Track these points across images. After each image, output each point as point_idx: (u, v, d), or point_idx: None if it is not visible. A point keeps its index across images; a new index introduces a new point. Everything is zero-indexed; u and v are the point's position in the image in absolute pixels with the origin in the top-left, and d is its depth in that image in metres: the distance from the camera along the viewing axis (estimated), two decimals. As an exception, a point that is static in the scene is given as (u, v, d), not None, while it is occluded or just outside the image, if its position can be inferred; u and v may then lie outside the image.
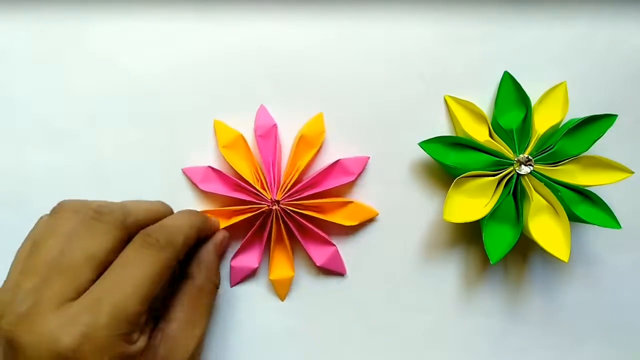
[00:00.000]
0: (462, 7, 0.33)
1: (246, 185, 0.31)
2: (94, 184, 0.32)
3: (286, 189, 0.30)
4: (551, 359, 0.33)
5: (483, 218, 0.30)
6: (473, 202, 0.30)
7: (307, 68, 0.32)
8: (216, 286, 0.29)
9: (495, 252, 0.29)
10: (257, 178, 0.31)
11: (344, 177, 0.31)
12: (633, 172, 0.30)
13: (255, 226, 0.31)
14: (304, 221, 0.31)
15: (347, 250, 0.32)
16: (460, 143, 0.31)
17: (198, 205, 0.32)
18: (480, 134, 0.31)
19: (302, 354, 0.32)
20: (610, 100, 0.33)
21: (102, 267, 0.23)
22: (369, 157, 0.32)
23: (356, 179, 0.32)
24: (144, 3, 0.33)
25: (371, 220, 0.32)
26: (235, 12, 0.33)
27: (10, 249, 0.32)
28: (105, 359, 0.21)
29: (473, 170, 0.30)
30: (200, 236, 0.29)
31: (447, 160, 0.30)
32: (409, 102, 0.33)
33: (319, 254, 0.32)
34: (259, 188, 0.30)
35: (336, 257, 0.32)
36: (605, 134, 0.30)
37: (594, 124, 0.31)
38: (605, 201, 0.30)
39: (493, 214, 0.30)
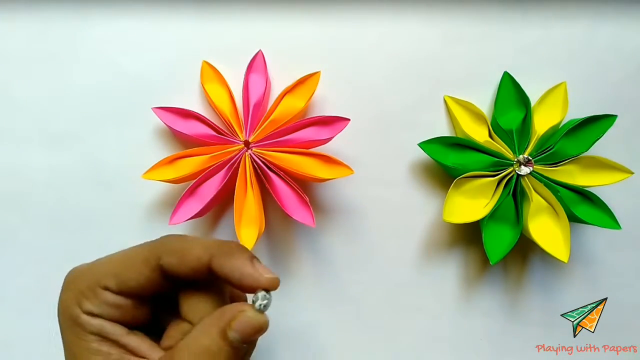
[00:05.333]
0: (462, 8, 0.33)
1: (220, 126, 0.30)
2: (94, 184, 0.32)
3: (260, 133, 0.30)
4: (551, 359, 0.33)
5: (483, 219, 0.30)
6: (473, 202, 0.30)
7: (307, 68, 0.32)
8: None
9: (495, 252, 0.29)
10: (235, 119, 0.30)
11: (321, 132, 0.30)
12: (633, 173, 0.30)
13: (224, 169, 0.29)
14: (271, 171, 0.29)
15: (347, 250, 0.32)
16: (460, 143, 0.31)
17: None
18: (480, 134, 0.31)
19: (302, 354, 0.32)
20: (610, 101, 0.33)
21: None
22: (349, 120, 0.30)
23: (332, 138, 0.30)
24: (144, 3, 0.33)
25: (347, 177, 0.30)
26: (235, 13, 0.33)
27: (11, 248, 0.32)
28: (64, 302, 0.22)
29: (473, 170, 0.30)
30: (217, 270, 0.22)
31: (446, 161, 0.30)
32: (409, 102, 0.33)
33: (290, 203, 0.29)
34: (234, 125, 0.30)
35: (306, 208, 0.29)
36: (605, 134, 0.30)
37: (594, 125, 0.31)
38: (605, 201, 0.30)
39: (493, 215, 0.30)
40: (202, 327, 0.21)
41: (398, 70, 0.33)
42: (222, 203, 0.32)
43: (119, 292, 0.22)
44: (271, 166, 0.29)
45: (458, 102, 0.32)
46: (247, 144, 0.30)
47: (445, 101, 0.33)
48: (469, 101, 0.32)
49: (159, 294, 0.23)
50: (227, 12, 0.33)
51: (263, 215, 0.29)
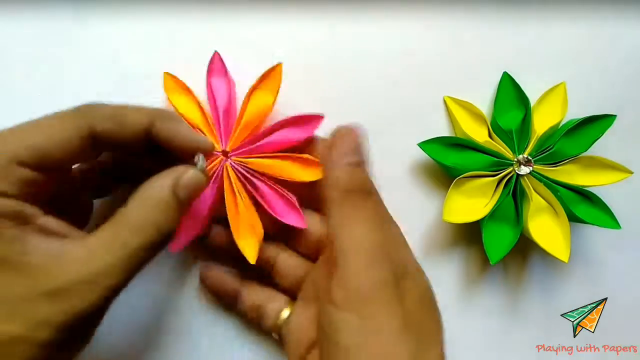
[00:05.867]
0: (462, 8, 0.33)
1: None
2: (94, 185, 0.32)
3: (235, 140, 0.28)
4: (551, 359, 0.33)
5: (483, 218, 0.30)
6: (473, 202, 0.30)
7: (307, 68, 0.32)
8: (157, 241, 0.21)
9: (495, 252, 0.29)
10: (208, 129, 0.29)
11: (297, 132, 0.28)
12: (632, 172, 0.30)
13: (210, 183, 0.28)
14: (255, 178, 0.28)
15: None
16: (459, 144, 0.31)
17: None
18: (479, 134, 0.32)
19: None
20: (609, 101, 0.33)
21: None
22: (322, 117, 0.28)
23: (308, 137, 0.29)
24: (144, 3, 0.33)
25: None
26: (234, 13, 0.33)
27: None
28: None
29: (472, 170, 0.30)
30: (158, 134, 0.23)
31: (446, 161, 0.31)
32: (409, 102, 0.33)
33: (279, 207, 0.28)
34: (208, 136, 0.28)
35: (295, 210, 0.29)
36: (605, 134, 0.30)
37: (593, 124, 0.31)
38: (605, 201, 0.30)
39: (493, 215, 0.30)
40: (153, 182, 0.22)
41: (398, 70, 0.33)
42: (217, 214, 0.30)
43: (37, 167, 0.20)
44: (253, 173, 0.29)
45: (458, 102, 0.32)
46: (225, 153, 0.28)
47: (445, 101, 0.33)
48: (468, 101, 0.32)
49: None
50: (227, 12, 0.33)
51: (260, 222, 0.28)
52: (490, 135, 0.31)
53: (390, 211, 0.33)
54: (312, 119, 0.29)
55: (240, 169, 0.28)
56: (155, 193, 0.21)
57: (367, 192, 0.22)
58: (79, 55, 0.33)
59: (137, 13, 0.33)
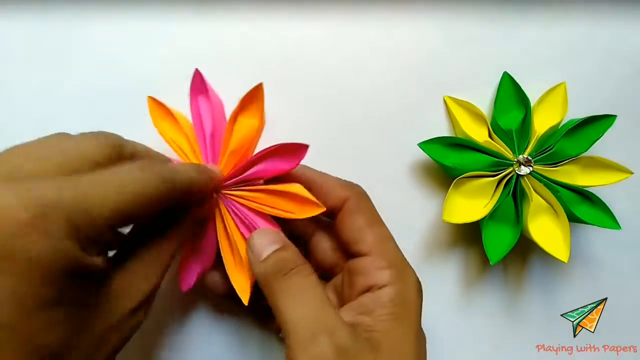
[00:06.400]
0: (462, 8, 0.33)
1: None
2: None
3: (223, 169, 0.27)
4: (551, 359, 0.33)
5: (483, 219, 0.30)
6: (472, 202, 0.30)
7: (307, 68, 0.32)
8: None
9: (495, 252, 0.29)
10: (194, 155, 0.27)
11: (283, 163, 0.26)
12: (632, 173, 0.30)
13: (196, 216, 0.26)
14: (249, 212, 0.26)
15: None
16: (459, 144, 0.31)
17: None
18: (479, 134, 0.31)
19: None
20: (609, 101, 0.33)
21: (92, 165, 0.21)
22: (307, 146, 0.25)
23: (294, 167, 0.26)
24: (144, 3, 0.33)
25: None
26: (234, 13, 0.33)
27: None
28: (53, 252, 0.16)
29: (472, 170, 0.30)
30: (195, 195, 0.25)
31: (446, 161, 0.30)
32: (409, 102, 0.33)
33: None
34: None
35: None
36: (605, 134, 0.30)
37: (593, 125, 0.31)
38: (605, 201, 0.30)
39: (493, 215, 0.30)
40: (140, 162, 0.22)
41: (398, 70, 0.33)
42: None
43: (118, 226, 0.20)
44: (245, 206, 0.27)
45: (458, 102, 0.32)
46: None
47: (445, 101, 0.33)
48: (468, 101, 0.32)
49: None
50: (226, 12, 0.33)
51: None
52: (490, 135, 0.31)
53: (390, 211, 0.33)
54: (298, 148, 0.25)
55: (233, 203, 0.27)
56: (138, 174, 0.21)
57: (288, 268, 0.24)
58: (79, 55, 0.33)
59: (137, 13, 0.33)
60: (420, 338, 0.24)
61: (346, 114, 0.33)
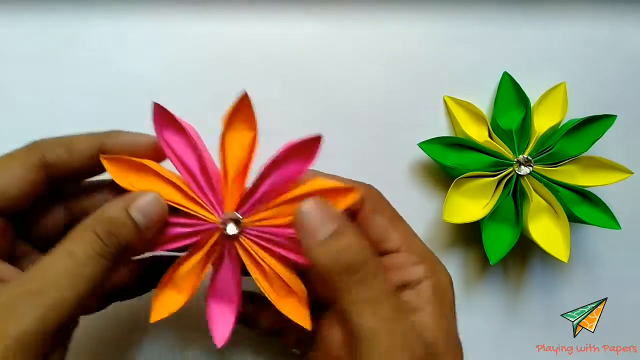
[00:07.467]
0: (462, 8, 0.33)
1: (184, 208, 0.22)
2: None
3: (237, 197, 0.22)
4: (551, 359, 0.33)
5: (483, 219, 0.30)
6: (472, 202, 0.30)
7: (307, 68, 0.32)
8: (110, 252, 0.20)
9: (495, 252, 0.29)
10: (190, 200, 0.23)
11: (296, 166, 0.22)
12: (632, 173, 0.30)
13: (224, 261, 0.23)
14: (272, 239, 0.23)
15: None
16: (459, 144, 0.31)
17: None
18: (479, 134, 0.31)
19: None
20: (609, 101, 0.33)
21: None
22: (320, 136, 0.22)
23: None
24: (143, 3, 0.33)
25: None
26: (234, 13, 0.33)
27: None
28: None
29: (472, 170, 0.30)
30: (109, 153, 0.22)
31: (446, 161, 0.30)
32: (409, 102, 0.33)
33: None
34: (196, 210, 0.22)
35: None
36: (605, 134, 0.30)
37: (594, 125, 0.31)
38: (605, 201, 0.30)
39: (493, 215, 0.30)
40: (105, 205, 0.21)
41: (398, 70, 0.33)
42: None
43: None
44: (268, 226, 0.23)
45: (458, 102, 0.32)
46: (225, 222, 0.22)
47: (445, 101, 0.33)
48: (468, 101, 0.32)
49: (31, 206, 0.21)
50: (226, 12, 0.33)
51: (297, 279, 0.23)
52: (490, 135, 0.31)
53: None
54: (310, 143, 0.22)
55: (253, 241, 0.23)
56: (105, 211, 0.20)
57: (360, 265, 0.20)
58: (79, 55, 0.33)
59: (137, 13, 0.33)
60: (457, 332, 0.24)
61: (346, 114, 0.33)
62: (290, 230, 0.22)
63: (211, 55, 0.32)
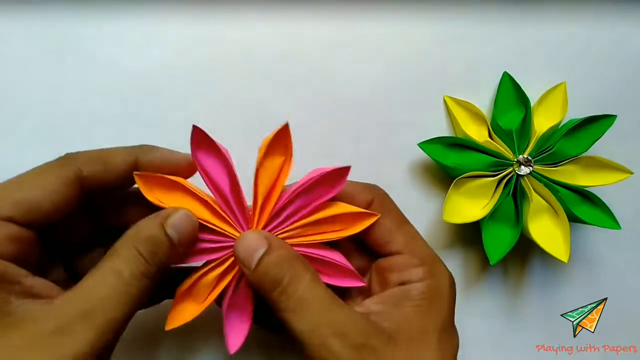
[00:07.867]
0: (462, 8, 0.33)
1: (210, 225, 0.23)
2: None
3: (266, 217, 0.24)
4: (551, 359, 0.33)
5: (483, 219, 0.30)
6: (472, 202, 0.30)
7: (307, 68, 0.32)
8: (151, 271, 0.20)
9: (495, 252, 0.29)
10: (220, 219, 0.24)
11: (325, 192, 0.24)
12: (632, 173, 0.30)
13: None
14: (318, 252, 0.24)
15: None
16: (459, 144, 0.31)
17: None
18: (479, 134, 0.32)
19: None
20: (609, 101, 0.33)
21: None
22: (350, 167, 0.24)
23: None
24: (143, 3, 0.33)
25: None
26: (234, 13, 0.33)
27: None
28: None
29: (472, 170, 0.30)
30: (143, 168, 0.22)
31: (446, 161, 0.30)
32: (409, 102, 0.33)
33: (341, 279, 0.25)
34: (223, 227, 0.23)
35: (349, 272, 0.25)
36: (605, 134, 0.30)
37: (594, 125, 0.31)
38: (605, 201, 0.30)
39: (493, 215, 0.30)
40: (140, 222, 0.21)
41: (398, 70, 0.33)
42: None
43: (25, 223, 0.19)
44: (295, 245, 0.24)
45: (458, 102, 0.32)
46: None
47: (445, 101, 0.33)
48: (468, 101, 0.32)
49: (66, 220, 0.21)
50: (226, 12, 0.33)
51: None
52: (490, 135, 0.31)
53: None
54: (339, 172, 0.24)
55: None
56: (143, 229, 0.21)
57: (280, 278, 0.21)
58: (79, 55, 0.33)
59: (137, 13, 0.33)
60: (446, 333, 0.24)
61: (346, 114, 0.33)
62: (312, 250, 0.24)
63: (211, 55, 0.32)
